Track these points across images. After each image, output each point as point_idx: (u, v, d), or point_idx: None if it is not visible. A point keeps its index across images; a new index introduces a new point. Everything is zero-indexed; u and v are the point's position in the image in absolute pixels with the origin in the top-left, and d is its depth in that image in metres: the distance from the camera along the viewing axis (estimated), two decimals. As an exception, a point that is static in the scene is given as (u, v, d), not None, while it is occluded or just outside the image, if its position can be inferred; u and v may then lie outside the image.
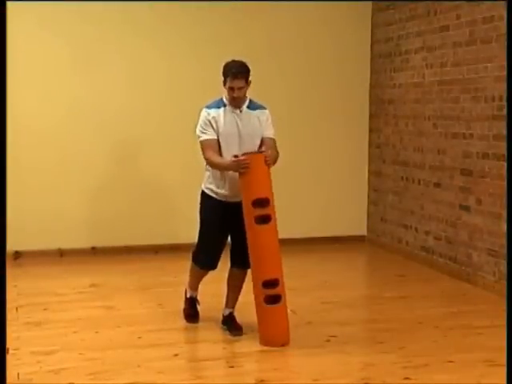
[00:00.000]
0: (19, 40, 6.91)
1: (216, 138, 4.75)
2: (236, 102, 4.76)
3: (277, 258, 4.70)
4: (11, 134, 6.51)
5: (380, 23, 7.75)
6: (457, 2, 6.40)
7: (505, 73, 5.73)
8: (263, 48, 7.53)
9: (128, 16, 7.28)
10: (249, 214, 4.61)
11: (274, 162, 4.79)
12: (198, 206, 4.99)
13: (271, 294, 4.63)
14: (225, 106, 4.78)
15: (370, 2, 7.87)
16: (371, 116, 7.99)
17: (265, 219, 4.60)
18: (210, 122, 4.74)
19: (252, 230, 4.63)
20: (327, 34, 7.78)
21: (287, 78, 7.72)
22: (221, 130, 4.75)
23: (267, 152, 4.66)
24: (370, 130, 8.03)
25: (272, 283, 4.63)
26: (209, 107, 4.81)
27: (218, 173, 4.80)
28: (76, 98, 7.22)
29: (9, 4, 5.74)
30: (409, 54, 7.20)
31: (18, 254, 7.15)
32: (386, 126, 7.71)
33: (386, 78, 7.64)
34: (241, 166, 4.56)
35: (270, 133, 4.86)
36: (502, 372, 3.78)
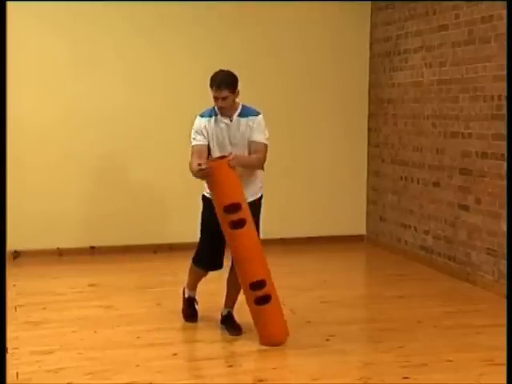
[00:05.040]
0: (19, 40, 6.90)
1: (205, 143, 4.78)
2: (223, 112, 4.76)
3: (260, 259, 4.67)
4: (10, 133, 6.50)
5: (379, 22, 7.75)
6: (456, 2, 6.40)
7: (504, 72, 5.73)
8: (262, 48, 7.53)
9: (127, 16, 7.27)
10: (223, 220, 4.59)
11: (255, 165, 4.77)
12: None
13: (260, 295, 4.61)
14: (216, 115, 4.80)
15: (369, 2, 7.86)
16: (370, 115, 7.99)
17: (239, 224, 4.56)
18: (201, 130, 4.79)
19: (230, 236, 4.63)
20: (326, 33, 7.78)
21: (286, 78, 7.70)
22: (211, 138, 4.79)
23: (231, 156, 4.60)
24: (369, 130, 8.02)
25: (259, 284, 4.61)
26: (202, 116, 4.86)
27: None
28: (75, 98, 7.21)
29: (9, 4, 5.74)
30: (408, 54, 7.20)
31: (17, 254, 7.14)
32: (385, 126, 7.70)
33: (385, 78, 7.64)
34: (205, 175, 4.56)
35: (258, 137, 4.78)
36: (502, 371, 3.78)
